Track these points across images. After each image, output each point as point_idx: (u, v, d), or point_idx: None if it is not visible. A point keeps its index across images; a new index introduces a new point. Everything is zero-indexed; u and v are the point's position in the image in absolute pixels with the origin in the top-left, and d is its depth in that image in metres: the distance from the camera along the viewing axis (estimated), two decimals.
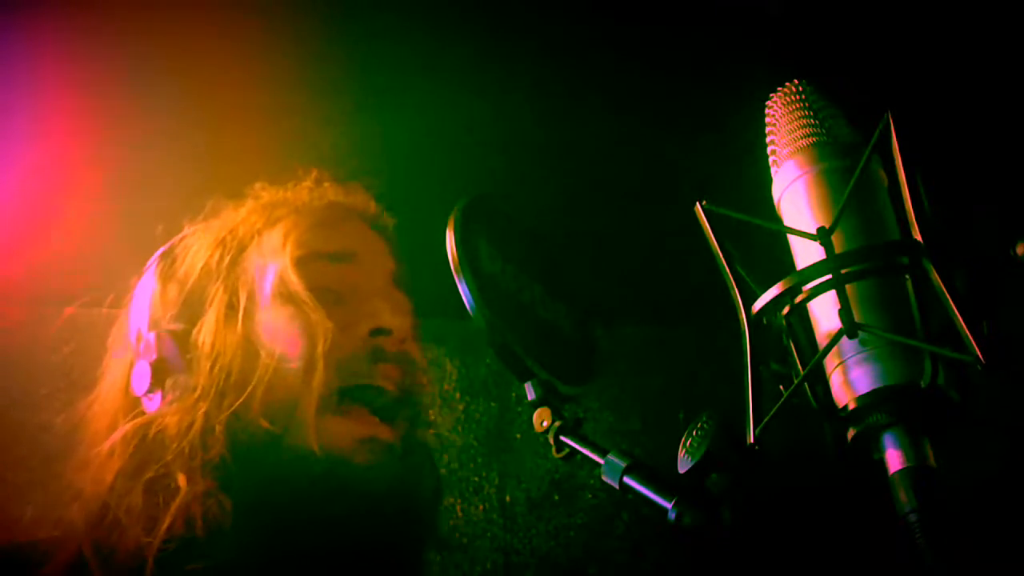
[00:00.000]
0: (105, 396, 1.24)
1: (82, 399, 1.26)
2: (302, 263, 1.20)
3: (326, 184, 1.34)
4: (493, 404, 2.18)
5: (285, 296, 1.18)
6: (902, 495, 0.84)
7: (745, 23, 1.75)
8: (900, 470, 0.85)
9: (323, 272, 1.20)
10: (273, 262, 1.21)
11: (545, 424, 1.03)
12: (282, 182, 1.34)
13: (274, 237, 1.23)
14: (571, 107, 1.90)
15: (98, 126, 1.81)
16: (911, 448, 0.85)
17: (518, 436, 2.16)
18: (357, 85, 1.83)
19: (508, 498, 2.10)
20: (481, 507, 2.09)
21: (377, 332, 1.18)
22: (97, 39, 1.70)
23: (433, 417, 1.94)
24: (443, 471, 2.07)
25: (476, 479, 2.11)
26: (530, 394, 1.06)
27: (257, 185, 1.34)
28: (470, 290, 1.04)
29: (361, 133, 1.88)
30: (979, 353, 0.83)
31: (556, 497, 2.11)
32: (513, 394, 2.18)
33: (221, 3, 1.69)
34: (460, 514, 2.07)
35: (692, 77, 1.84)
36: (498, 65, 1.82)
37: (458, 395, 2.18)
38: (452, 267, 1.05)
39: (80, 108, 1.79)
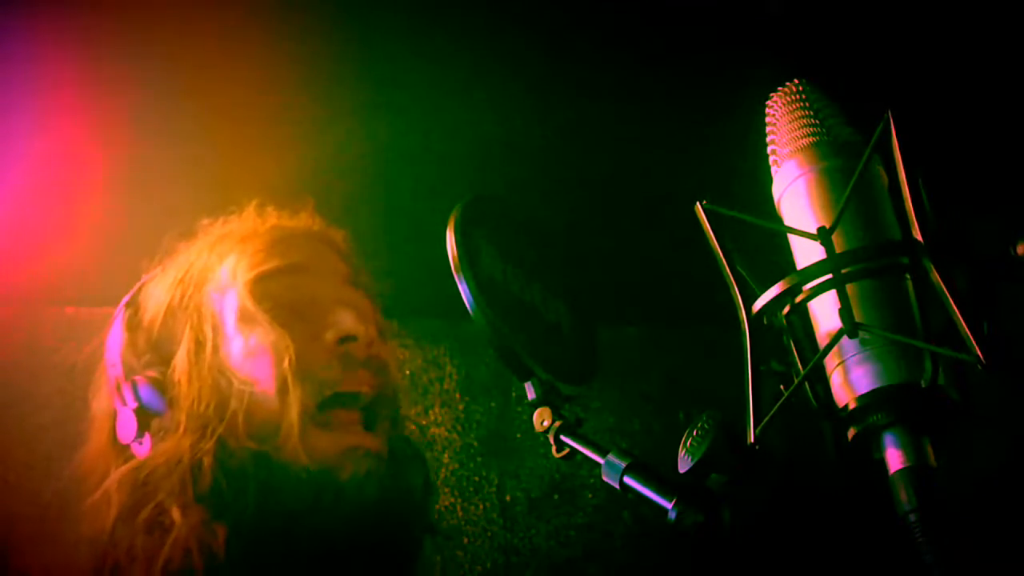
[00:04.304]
0: (95, 448, 1.28)
1: (75, 456, 1.29)
2: (255, 284, 1.23)
3: (268, 210, 1.38)
4: (493, 404, 2.18)
5: (245, 321, 1.21)
6: (902, 495, 0.84)
7: (745, 23, 1.75)
8: (900, 470, 0.85)
9: (276, 288, 1.23)
10: (229, 292, 1.24)
11: (545, 424, 1.03)
12: (227, 213, 1.38)
13: (226, 269, 1.26)
14: (570, 107, 1.90)
15: (99, 126, 1.81)
16: (911, 448, 0.85)
17: (518, 436, 2.16)
18: (358, 84, 1.83)
19: (508, 498, 2.10)
20: (481, 507, 2.09)
21: (344, 340, 1.20)
22: (97, 39, 1.70)
23: (433, 417, 1.95)
24: (443, 471, 2.08)
25: (476, 479, 2.11)
26: (530, 394, 1.06)
27: (204, 221, 1.38)
28: (470, 290, 1.04)
29: (362, 133, 1.88)
30: (979, 353, 0.83)
31: (556, 497, 2.11)
32: (513, 394, 2.17)
33: (221, 4, 1.70)
34: (460, 514, 2.07)
35: (692, 77, 1.84)
36: (499, 65, 1.82)
37: (458, 395, 2.18)
38: (452, 267, 1.05)
39: (81, 108, 1.79)
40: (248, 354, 1.19)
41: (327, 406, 1.17)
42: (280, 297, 1.22)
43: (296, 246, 1.30)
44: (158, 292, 1.29)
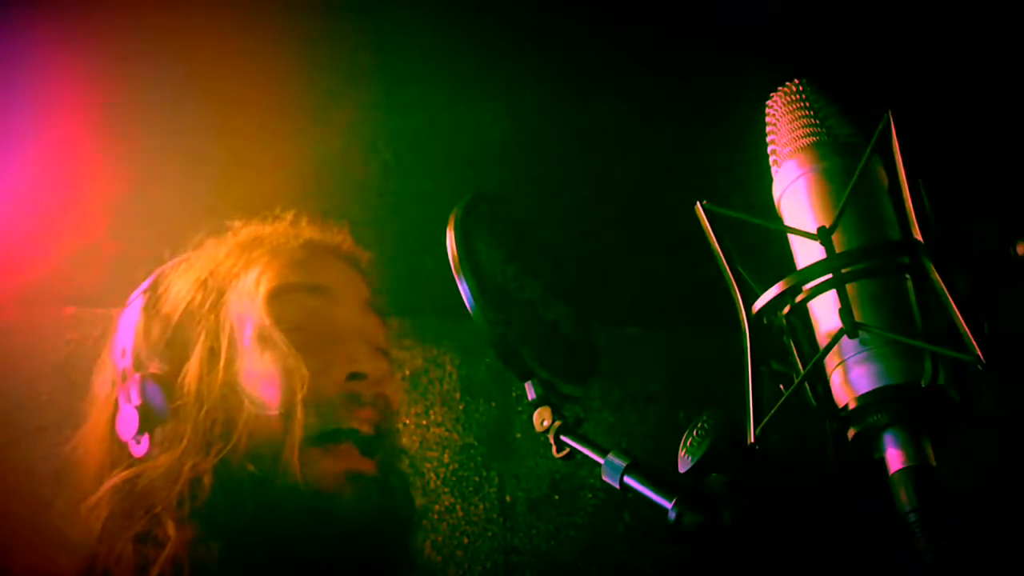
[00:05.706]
0: (91, 438, 1.26)
1: (69, 438, 1.27)
2: (274, 297, 1.21)
3: (303, 223, 1.36)
4: (493, 404, 2.18)
5: (263, 341, 1.20)
6: (902, 495, 0.84)
7: (745, 23, 1.75)
8: (900, 469, 0.85)
9: (296, 307, 1.22)
10: (250, 305, 1.22)
11: (545, 424, 1.03)
12: (261, 217, 1.36)
13: (250, 279, 1.24)
14: (570, 107, 1.90)
15: (100, 126, 1.81)
16: (911, 447, 0.85)
17: (518, 436, 2.16)
18: (360, 83, 1.83)
19: (508, 498, 2.10)
20: (481, 507, 2.09)
21: (354, 376, 1.20)
22: (99, 36, 1.70)
23: (433, 417, 1.94)
24: (443, 471, 2.08)
25: (476, 479, 2.11)
26: (530, 393, 1.06)
27: (237, 223, 1.36)
28: (470, 289, 1.04)
29: (364, 132, 1.88)
30: (979, 353, 0.83)
31: (556, 497, 2.11)
32: (513, 394, 2.18)
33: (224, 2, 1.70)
34: (460, 514, 2.07)
35: (692, 77, 1.84)
36: (500, 65, 1.82)
37: (458, 395, 2.18)
38: (452, 266, 1.05)
39: (82, 108, 1.79)
40: (261, 375, 1.18)
41: (326, 439, 1.16)
42: (298, 319, 1.21)
43: (324, 265, 1.29)
44: (180, 286, 1.27)
